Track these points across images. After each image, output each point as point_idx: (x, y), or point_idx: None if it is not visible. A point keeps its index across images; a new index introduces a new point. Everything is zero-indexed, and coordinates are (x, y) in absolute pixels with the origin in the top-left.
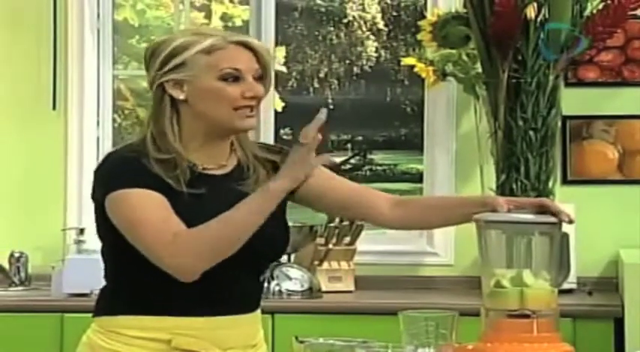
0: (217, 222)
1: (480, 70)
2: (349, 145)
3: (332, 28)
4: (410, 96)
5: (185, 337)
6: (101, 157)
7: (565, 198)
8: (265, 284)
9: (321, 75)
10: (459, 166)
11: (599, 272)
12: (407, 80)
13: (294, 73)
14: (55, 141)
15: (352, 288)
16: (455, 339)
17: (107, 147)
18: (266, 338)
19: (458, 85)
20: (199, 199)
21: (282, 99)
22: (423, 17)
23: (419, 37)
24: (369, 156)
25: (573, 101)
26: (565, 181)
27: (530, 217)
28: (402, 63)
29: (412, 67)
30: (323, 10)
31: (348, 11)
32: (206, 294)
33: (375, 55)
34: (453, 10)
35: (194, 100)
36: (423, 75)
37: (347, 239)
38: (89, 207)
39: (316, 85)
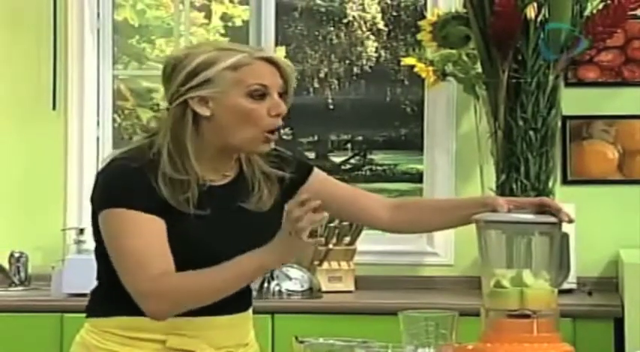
0: (203, 276)
1: (480, 70)
2: (349, 145)
3: (332, 28)
4: (410, 96)
5: (180, 337)
6: (102, 158)
7: (565, 198)
8: (265, 285)
9: (321, 75)
10: (459, 166)
11: (599, 272)
12: (407, 80)
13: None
14: (55, 141)
15: (352, 288)
16: (455, 339)
17: (107, 147)
18: (266, 338)
19: (458, 85)
20: (204, 219)
21: None
22: (423, 17)
23: (419, 37)
24: (369, 156)
25: (573, 101)
26: (565, 181)
27: (530, 217)
28: (402, 63)
29: (412, 67)
30: (323, 10)
31: (348, 11)
32: None
33: (375, 55)
34: (453, 10)
35: (220, 118)
36: (423, 75)
37: (347, 239)
38: (89, 207)
39: (316, 85)
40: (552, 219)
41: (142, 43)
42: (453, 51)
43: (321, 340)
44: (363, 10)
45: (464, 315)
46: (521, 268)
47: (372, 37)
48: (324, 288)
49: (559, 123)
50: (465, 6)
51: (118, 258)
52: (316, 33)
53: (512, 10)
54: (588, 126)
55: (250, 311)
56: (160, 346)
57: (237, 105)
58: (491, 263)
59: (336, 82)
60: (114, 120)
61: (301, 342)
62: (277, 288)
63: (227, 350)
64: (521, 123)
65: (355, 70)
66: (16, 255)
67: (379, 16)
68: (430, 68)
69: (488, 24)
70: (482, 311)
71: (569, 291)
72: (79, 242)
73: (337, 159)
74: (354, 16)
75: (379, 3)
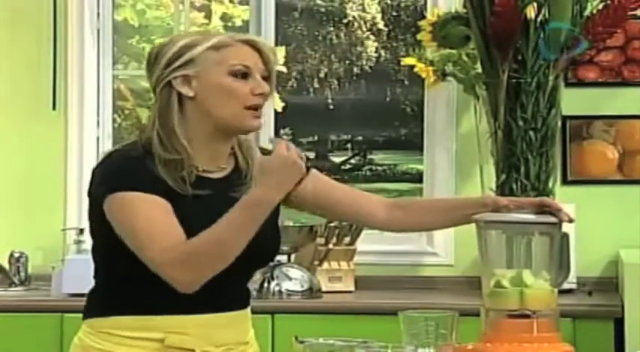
0: (213, 231)
1: (480, 70)
2: (349, 145)
3: (332, 28)
4: (410, 96)
5: (178, 335)
6: (101, 156)
7: (565, 198)
8: (265, 285)
9: (321, 75)
10: (459, 166)
11: (599, 273)
12: (407, 80)
13: (294, 73)
14: (55, 141)
15: (352, 288)
16: (455, 339)
17: (107, 147)
18: (266, 338)
19: (458, 85)
20: (202, 202)
21: (282, 99)
22: (423, 17)
23: (419, 37)
24: (369, 156)
25: (573, 101)
26: (565, 181)
27: (530, 217)
28: (402, 63)
29: (412, 67)
30: (323, 10)
31: (348, 11)
32: (197, 295)
33: (375, 55)
34: (453, 10)
35: (203, 97)
36: (423, 75)
37: (347, 239)
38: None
39: (316, 85)
40: (552, 219)
41: (142, 43)
42: (453, 51)
43: (321, 340)
44: (363, 10)
45: (464, 315)
46: (521, 268)
47: (372, 37)
48: (324, 288)
49: (559, 123)
50: (465, 6)
51: (131, 238)
52: (316, 33)
53: (512, 10)
54: (588, 126)
55: (249, 310)
56: (159, 345)
57: (220, 83)
58: (491, 263)
59: (336, 82)
60: (114, 120)
61: (301, 342)
62: (277, 288)
63: (227, 348)
64: (521, 123)
65: (355, 70)
66: (16, 255)
67: (379, 16)
68: (430, 68)
69: (488, 24)
70: (482, 311)
71: (569, 291)
72: (79, 242)
73: (337, 159)
74: (354, 16)
75: (379, 3)
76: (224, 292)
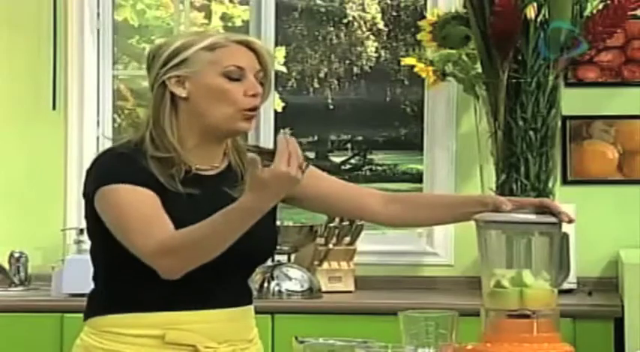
0: (204, 225)
1: (480, 70)
2: (349, 145)
3: (332, 28)
4: (410, 96)
5: (179, 331)
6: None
7: (565, 198)
8: (265, 285)
9: (321, 75)
10: (459, 166)
11: (599, 273)
12: (407, 80)
13: (294, 73)
14: (55, 141)
15: (352, 288)
16: (455, 339)
17: (107, 147)
18: (266, 338)
19: (458, 85)
20: (192, 200)
21: (282, 99)
22: (423, 17)
23: (419, 37)
24: (369, 156)
25: (573, 101)
26: (565, 181)
27: (530, 217)
28: (402, 63)
29: (412, 67)
30: (323, 10)
31: (348, 11)
32: (197, 291)
33: (375, 55)
34: (453, 10)
35: (196, 97)
36: (423, 75)
37: (347, 239)
38: None
39: (316, 85)
40: (552, 219)
41: (142, 43)
42: (453, 51)
43: (321, 340)
44: (363, 10)
45: (464, 315)
46: (521, 268)
47: (372, 37)
48: (324, 288)
49: (559, 123)
50: (465, 6)
51: (121, 230)
52: (316, 33)
53: (512, 10)
54: (588, 126)
55: (251, 307)
56: (159, 342)
57: (213, 84)
58: (491, 263)
59: (336, 82)
60: (114, 120)
61: (301, 342)
62: (277, 288)
63: (230, 344)
64: (521, 123)
65: (355, 70)
66: (16, 255)
67: (379, 16)
68: (430, 68)
69: (488, 24)
70: (482, 311)
71: (569, 291)
72: (79, 242)
73: (337, 159)
74: (354, 16)
75: (379, 3)
76: (221, 289)
